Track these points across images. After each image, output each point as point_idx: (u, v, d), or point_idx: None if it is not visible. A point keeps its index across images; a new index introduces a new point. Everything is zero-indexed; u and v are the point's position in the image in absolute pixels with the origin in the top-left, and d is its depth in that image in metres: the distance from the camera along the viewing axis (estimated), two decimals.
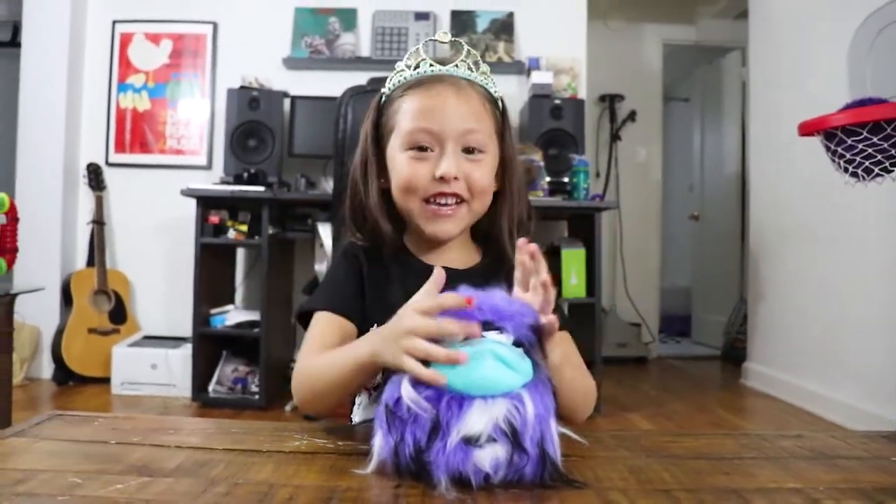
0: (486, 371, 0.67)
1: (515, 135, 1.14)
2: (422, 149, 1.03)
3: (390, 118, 1.07)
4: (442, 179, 1.01)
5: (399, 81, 1.07)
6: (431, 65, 1.05)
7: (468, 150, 1.03)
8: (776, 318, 4.14)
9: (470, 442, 0.65)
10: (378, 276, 1.09)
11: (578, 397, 0.97)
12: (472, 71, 1.06)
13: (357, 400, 1.10)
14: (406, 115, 1.04)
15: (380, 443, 0.70)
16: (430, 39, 1.12)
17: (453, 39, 1.10)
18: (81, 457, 0.74)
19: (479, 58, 1.08)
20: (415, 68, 1.06)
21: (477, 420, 0.65)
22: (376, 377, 0.94)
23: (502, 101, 1.12)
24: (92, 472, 0.69)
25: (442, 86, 1.03)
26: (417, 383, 0.68)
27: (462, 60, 1.06)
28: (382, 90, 1.11)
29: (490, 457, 0.66)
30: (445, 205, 1.03)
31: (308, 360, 0.96)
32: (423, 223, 1.05)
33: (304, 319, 1.05)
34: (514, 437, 0.66)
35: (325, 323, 1.02)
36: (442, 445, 0.65)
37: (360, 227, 1.11)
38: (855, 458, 0.83)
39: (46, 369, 3.96)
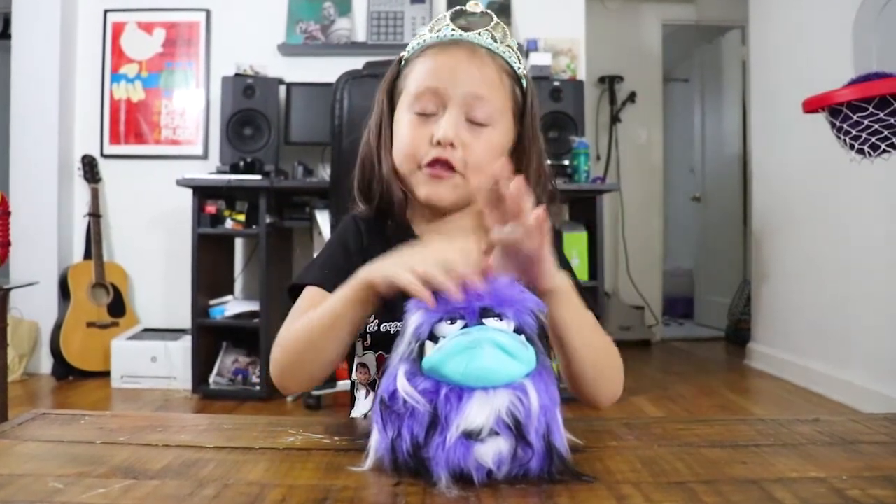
0: (486, 361, 0.62)
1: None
2: (425, 113, 0.97)
3: (402, 81, 1.02)
4: (438, 144, 0.94)
5: (418, 45, 1.02)
6: (454, 29, 0.99)
7: (474, 122, 0.96)
8: (780, 299, 4.10)
9: (471, 436, 0.61)
10: (378, 254, 1.02)
11: (601, 362, 0.89)
12: (495, 42, 0.99)
13: (357, 395, 1.05)
14: (415, 76, 0.99)
15: (376, 439, 0.66)
16: (460, 8, 1.04)
17: (484, 11, 1.01)
18: (64, 459, 0.71)
19: (507, 31, 1.01)
20: (435, 31, 1.00)
21: (478, 413, 0.61)
22: (369, 319, 0.94)
23: (527, 80, 1.04)
24: (74, 476, 0.65)
25: (457, 49, 0.97)
26: (413, 375, 0.64)
27: (486, 29, 0.99)
28: (402, 54, 1.06)
29: (493, 451, 0.62)
30: (442, 165, 0.97)
31: (290, 327, 0.91)
32: (419, 187, 0.98)
33: (296, 293, 0.99)
34: (517, 430, 0.62)
35: (312, 297, 0.95)
36: (441, 441, 0.61)
37: (367, 199, 1.05)
38: (876, 442, 0.79)
39: (46, 364, 3.93)
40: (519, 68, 1.01)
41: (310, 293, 0.96)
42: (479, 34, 0.98)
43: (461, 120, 0.95)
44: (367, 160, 1.04)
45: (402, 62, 1.05)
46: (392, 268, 0.73)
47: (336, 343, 0.85)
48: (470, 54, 0.96)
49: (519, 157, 1.02)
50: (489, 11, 1.01)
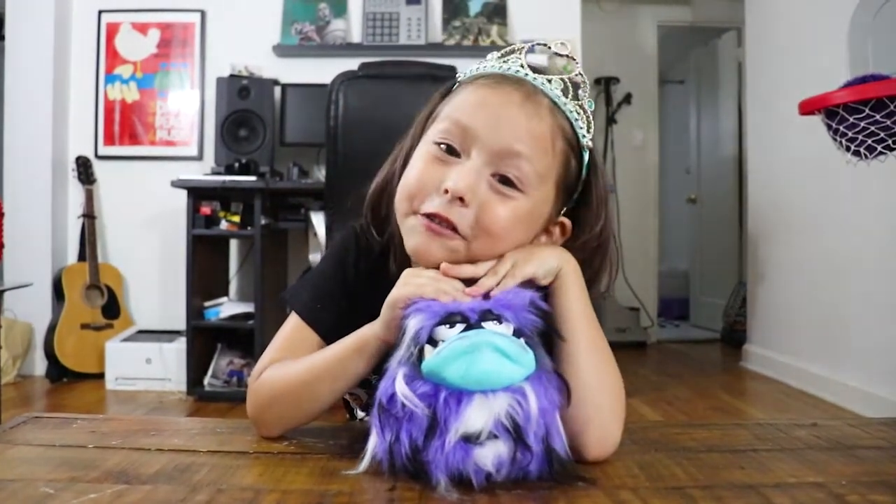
0: (485, 364, 0.62)
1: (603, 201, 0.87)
2: (450, 150, 0.78)
3: (442, 106, 0.85)
4: (446, 193, 0.75)
5: (478, 69, 0.85)
6: (522, 65, 0.82)
7: (503, 180, 0.77)
8: (776, 300, 4.10)
9: (470, 440, 0.61)
10: (376, 286, 0.83)
11: (597, 385, 0.74)
12: (564, 95, 0.81)
13: (356, 411, 1.02)
14: (454, 104, 0.81)
15: (374, 442, 0.65)
16: (541, 43, 0.86)
17: (570, 56, 0.84)
18: (55, 463, 0.70)
19: (586, 87, 0.84)
20: (503, 61, 0.84)
21: (477, 417, 0.61)
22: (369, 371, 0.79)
23: (592, 154, 0.84)
24: (65, 481, 0.64)
25: (513, 88, 0.79)
26: (412, 379, 0.64)
27: (561, 78, 0.81)
28: (458, 76, 0.88)
29: (492, 455, 0.62)
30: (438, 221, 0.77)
31: (275, 363, 0.84)
32: (408, 234, 0.80)
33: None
34: (516, 433, 0.62)
35: (299, 333, 0.87)
36: (440, 444, 0.61)
37: (381, 226, 0.90)
38: (875, 447, 0.79)
39: (40, 366, 3.90)
40: (584, 136, 0.83)
41: (296, 326, 0.88)
42: (550, 80, 0.81)
43: (485, 174, 0.77)
44: (386, 185, 0.88)
45: (456, 84, 0.87)
46: (405, 289, 0.72)
47: (335, 394, 0.81)
48: (524, 99, 0.78)
49: (577, 249, 0.84)
50: (574, 57, 0.84)
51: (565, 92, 0.81)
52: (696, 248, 6.31)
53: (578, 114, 0.82)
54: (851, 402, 3.26)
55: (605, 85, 5.59)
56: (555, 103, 0.81)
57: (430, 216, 0.77)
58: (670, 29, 5.93)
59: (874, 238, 3.16)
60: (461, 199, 0.75)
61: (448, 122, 0.80)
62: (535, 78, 0.81)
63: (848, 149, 2.20)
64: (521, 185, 0.77)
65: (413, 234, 0.79)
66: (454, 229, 0.76)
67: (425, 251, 0.77)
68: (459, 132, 0.78)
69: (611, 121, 5.60)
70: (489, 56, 0.86)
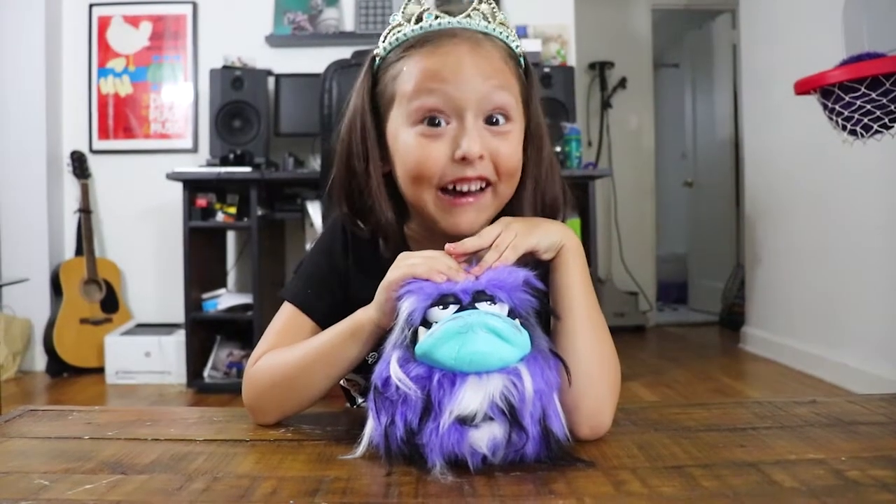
0: (479, 345, 0.61)
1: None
2: (433, 122, 0.81)
3: (388, 86, 0.86)
4: (464, 160, 0.79)
5: (397, 39, 0.85)
6: (437, 16, 0.83)
7: (492, 121, 0.81)
8: (774, 282, 4.10)
9: (465, 422, 0.61)
10: (368, 273, 0.83)
11: (594, 362, 0.76)
12: (488, 22, 0.84)
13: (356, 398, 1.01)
14: (410, 81, 0.82)
15: (371, 426, 0.65)
16: None
17: None
18: (51, 455, 0.70)
19: (494, 6, 0.86)
20: (416, 21, 0.84)
21: (471, 398, 0.61)
22: (367, 355, 0.79)
23: (525, 58, 0.89)
24: (60, 472, 0.64)
25: (453, 42, 0.81)
26: (406, 361, 0.63)
27: (475, 9, 0.84)
28: (375, 51, 0.89)
29: (487, 437, 0.62)
30: (467, 192, 0.81)
31: (270, 350, 0.85)
32: (440, 215, 0.83)
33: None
34: (511, 414, 0.62)
35: (293, 320, 0.88)
36: (435, 427, 0.61)
37: (361, 216, 0.90)
38: (875, 423, 0.78)
39: (40, 362, 3.90)
40: (517, 46, 0.87)
41: (290, 314, 0.88)
42: (470, 17, 0.83)
43: (479, 126, 0.81)
44: (351, 177, 0.89)
45: (378, 61, 0.89)
46: (398, 271, 0.72)
47: (331, 380, 0.81)
48: (470, 45, 0.81)
49: (527, 144, 0.89)
50: None
51: (486, 19, 0.85)
52: (694, 231, 6.31)
53: (505, 31, 0.86)
54: (850, 383, 3.26)
55: (599, 69, 5.57)
56: (487, 34, 0.85)
57: (462, 181, 0.81)
58: (664, 12, 5.91)
59: (871, 218, 3.16)
60: (480, 158, 0.80)
61: (419, 100, 0.81)
62: (458, 22, 0.84)
63: (844, 128, 2.19)
64: (509, 115, 0.83)
65: (442, 211, 0.83)
66: (481, 179, 0.82)
67: (463, 222, 0.82)
68: (436, 102, 0.81)
69: (606, 105, 5.58)
70: (393, 25, 0.87)
